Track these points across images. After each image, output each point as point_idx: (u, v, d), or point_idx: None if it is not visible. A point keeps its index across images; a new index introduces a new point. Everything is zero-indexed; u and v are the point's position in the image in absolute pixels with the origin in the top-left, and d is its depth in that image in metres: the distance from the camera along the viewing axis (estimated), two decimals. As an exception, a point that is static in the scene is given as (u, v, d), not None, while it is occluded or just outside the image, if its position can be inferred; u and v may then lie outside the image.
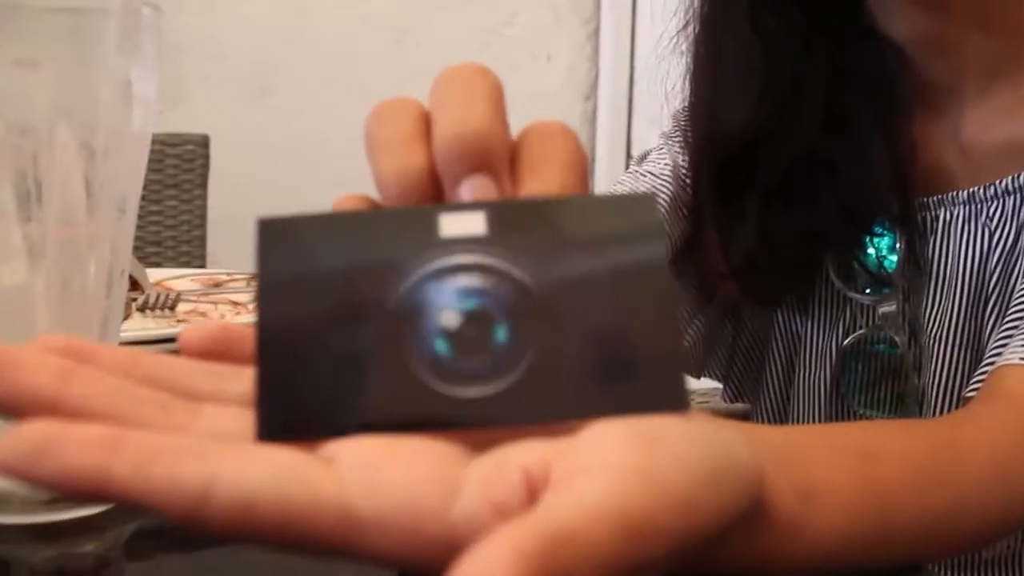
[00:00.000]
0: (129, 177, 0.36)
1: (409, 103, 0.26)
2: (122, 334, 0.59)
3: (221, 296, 0.76)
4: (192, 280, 0.81)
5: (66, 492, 0.19)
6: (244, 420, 0.22)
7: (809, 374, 0.59)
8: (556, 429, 0.21)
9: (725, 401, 0.65)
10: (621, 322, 0.22)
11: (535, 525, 0.17)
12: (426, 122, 0.25)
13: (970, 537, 0.31)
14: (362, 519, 0.19)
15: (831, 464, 0.27)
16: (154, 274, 0.80)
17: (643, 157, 0.65)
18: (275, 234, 0.23)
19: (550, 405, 0.21)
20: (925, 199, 0.53)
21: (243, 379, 0.24)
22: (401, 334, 0.22)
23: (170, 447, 0.19)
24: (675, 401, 0.22)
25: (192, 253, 1.43)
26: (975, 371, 0.50)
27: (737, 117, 0.54)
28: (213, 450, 0.20)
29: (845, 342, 0.57)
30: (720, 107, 0.55)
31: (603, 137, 1.92)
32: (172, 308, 0.69)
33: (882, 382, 0.57)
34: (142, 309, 0.69)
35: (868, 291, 0.56)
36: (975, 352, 0.52)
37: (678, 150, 0.60)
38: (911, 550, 0.29)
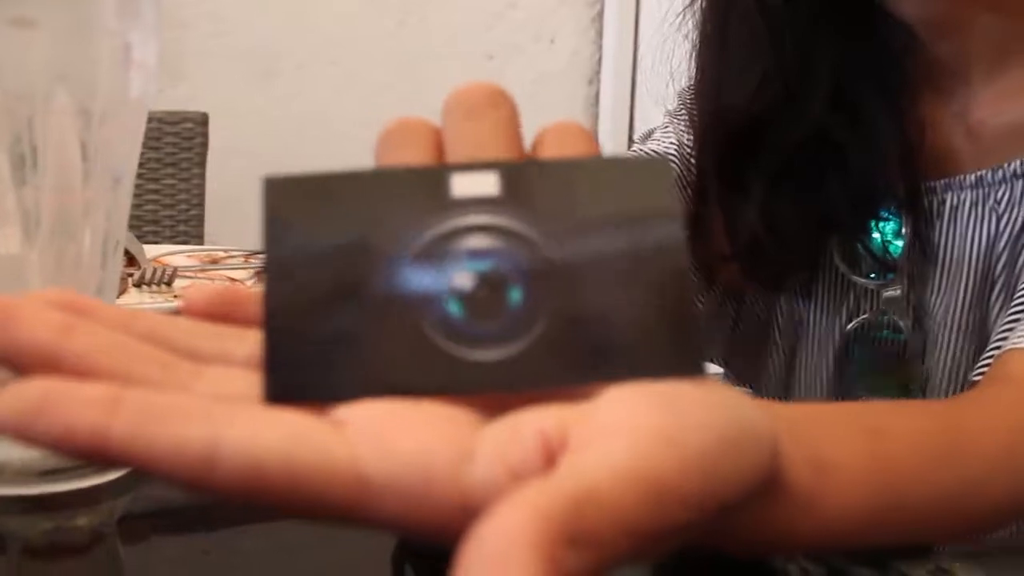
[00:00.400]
0: (126, 144, 0.36)
1: (420, 129, 0.25)
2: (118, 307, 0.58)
3: (218, 272, 0.75)
4: (189, 256, 0.80)
5: (65, 452, 0.18)
6: (249, 382, 0.21)
7: (811, 359, 0.58)
8: (573, 393, 0.21)
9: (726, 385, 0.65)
10: (636, 287, 0.22)
11: (557, 485, 0.17)
12: (438, 149, 0.25)
13: (978, 519, 0.31)
14: (373, 483, 0.19)
15: (843, 440, 0.27)
16: (151, 250, 0.79)
17: (647, 135, 0.64)
18: (282, 193, 0.22)
19: (566, 368, 0.21)
20: (932, 183, 0.52)
21: (248, 341, 0.23)
22: (413, 295, 0.21)
23: (173, 407, 0.19)
24: (691, 366, 0.21)
25: (190, 232, 1.43)
26: (980, 357, 0.49)
27: (742, 98, 0.53)
28: (219, 410, 0.19)
29: (848, 327, 0.56)
30: (725, 87, 0.55)
31: (606, 120, 1.91)
32: (169, 284, 0.69)
33: (885, 367, 0.56)
34: (138, 284, 0.68)
35: (873, 276, 0.55)
36: (980, 338, 0.51)
37: (683, 128, 0.60)
38: (919, 530, 0.29)
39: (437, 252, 0.22)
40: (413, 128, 0.25)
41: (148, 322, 0.22)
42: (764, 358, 0.62)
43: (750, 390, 0.64)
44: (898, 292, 0.55)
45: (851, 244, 0.55)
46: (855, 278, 0.55)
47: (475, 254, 0.22)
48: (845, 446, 0.26)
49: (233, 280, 0.72)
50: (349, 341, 0.21)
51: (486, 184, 0.22)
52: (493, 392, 0.21)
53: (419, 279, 0.22)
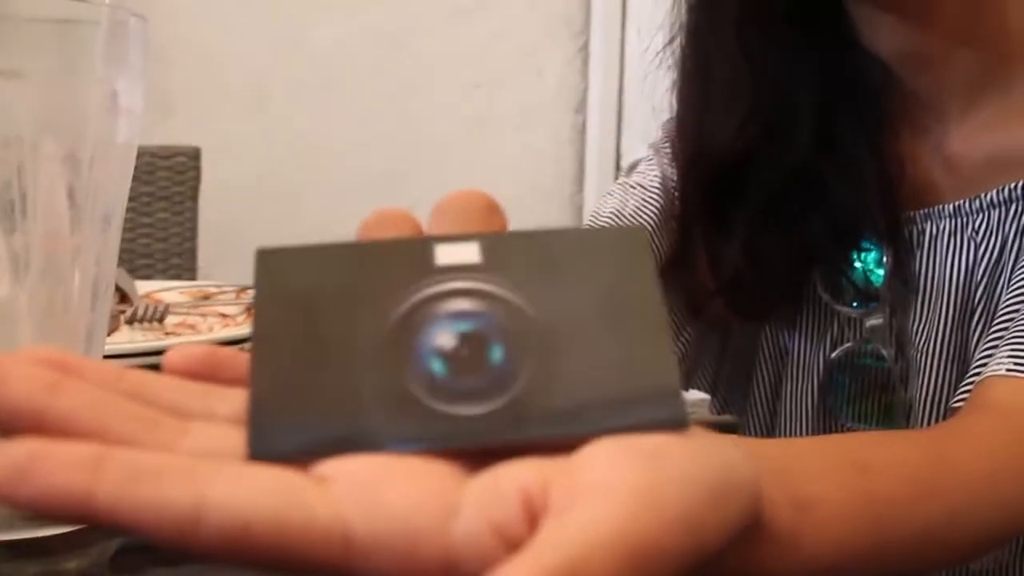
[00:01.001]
0: (114, 188, 0.36)
1: (400, 220, 0.26)
2: (110, 347, 0.58)
3: (210, 308, 0.75)
4: (181, 293, 0.81)
5: (49, 515, 0.18)
6: (234, 439, 0.22)
7: (796, 387, 0.59)
8: (554, 446, 0.21)
9: (712, 412, 0.65)
10: (615, 344, 0.22)
11: (541, 560, 0.17)
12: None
13: (962, 548, 0.31)
14: (359, 541, 0.19)
15: (826, 476, 0.27)
16: (143, 286, 0.80)
17: (632, 167, 0.65)
18: (273, 262, 0.23)
19: (547, 422, 0.22)
20: (911, 213, 0.53)
21: (232, 399, 0.23)
22: (396, 355, 0.22)
23: (157, 466, 0.19)
24: (673, 418, 0.22)
25: (183, 266, 1.43)
26: (962, 383, 0.50)
27: (724, 136, 0.54)
28: (203, 469, 0.19)
29: (832, 355, 0.57)
30: (707, 125, 0.55)
31: (593, 150, 1.92)
32: (160, 320, 0.69)
33: (869, 395, 0.57)
34: (130, 322, 0.68)
35: (855, 305, 0.56)
36: (962, 364, 0.52)
37: (667, 162, 0.60)
38: (904, 563, 0.29)
39: (421, 314, 0.23)
40: (393, 218, 0.26)
41: (134, 379, 0.23)
42: (750, 387, 0.62)
43: (736, 418, 0.64)
44: (880, 320, 0.55)
45: (834, 275, 0.56)
46: (838, 308, 0.56)
47: (457, 315, 0.23)
48: (828, 481, 0.27)
49: (224, 315, 0.73)
50: (333, 399, 0.22)
51: (468, 253, 0.24)
52: (476, 446, 0.21)
53: (403, 339, 0.22)
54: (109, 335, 0.65)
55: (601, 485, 0.19)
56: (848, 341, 0.56)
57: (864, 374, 0.56)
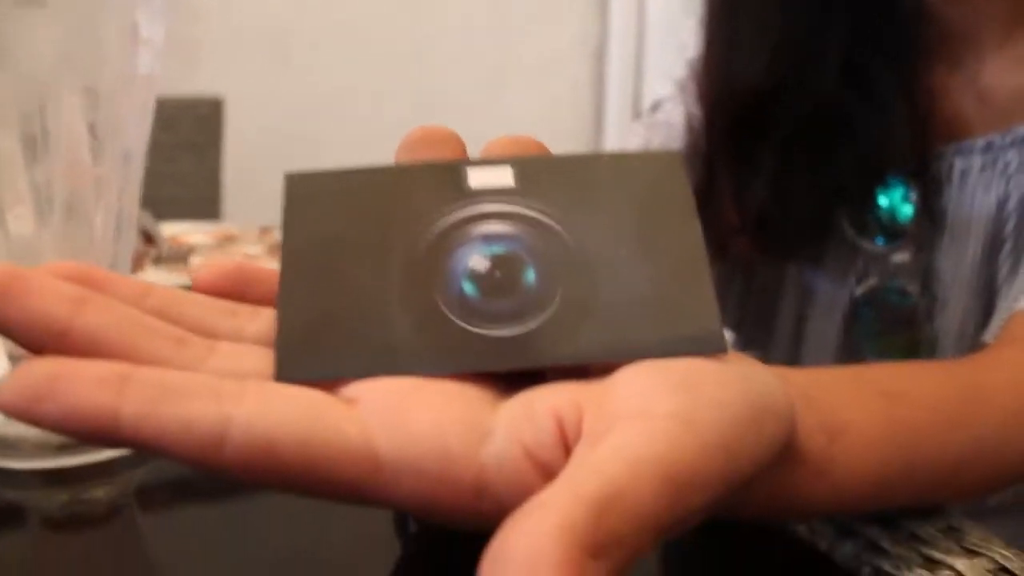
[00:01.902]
0: (135, 122, 0.36)
1: (445, 139, 0.25)
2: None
3: (234, 249, 0.76)
4: (205, 234, 0.81)
5: (73, 434, 0.18)
6: (262, 358, 0.21)
7: (820, 325, 0.58)
8: (587, 370, 0.21)
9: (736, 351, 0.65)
10: (652, 267, 0.22)
11: (578, 490, 0.17)
12: (462, 155, 0.25)
13: (990, 479, 0.31)
14: (387, 463, 0.19)
15: (857, 404, 0.27)
16: (167, 229, 0.80)
17: (656, 106, 0.64)
18: (301, 186, 0.23)
19: (581, 345, 0.21)
20: (941, 149, 0.52)
21: (260, 318, 0.23)
22: (428, 276, 0.22)
23: (183, 386, 0.18)
24: (711, 343, 0.21)
25: (207, 213, 1.44)
26: (988, 318, 0.49)
27: (752, 72, 0.53)
28: (229, 389, 0.19)
29: (857, 292, 0.56)
30: (735, 62, 0.54)
31: (613, 96, 1.90)
32: (185, 261, 0.70)
33: (894, 331, 0.56)
34: (156, 262, 0.69)
35: (881, 241, 0.55)
36: (988, 300, 0.51)
37: (692, 100, 0.60)
38: (933, 491, 0.29)
39: (453, 236, 0.22)
40: (436, 137, 0.25)
41: (162, 296, 0.22)
42: (773, 325, 0.62)
43: (759, 356, 0.64)
44: (906, 257, 0.54)
45: (860, 211, 0.55)
46: (864, 244, 0.55)
47: (490, 238, 0.22)
48: (860, 409, 0.26)
49: (249, 256, 0.73)
50: (362, 319, 0.21)
51: (501, 176, 0.23)
52: (508, 368, 0.21)
53: (434, 262, 0.22)
54: (133, 274, 0.66)
55: (637, 411, 0.19)
56: (873, 278, 0.56)
57: (889, 310, 0.56)
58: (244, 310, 0.23)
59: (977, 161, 0.51)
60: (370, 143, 1.87)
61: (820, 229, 0.56)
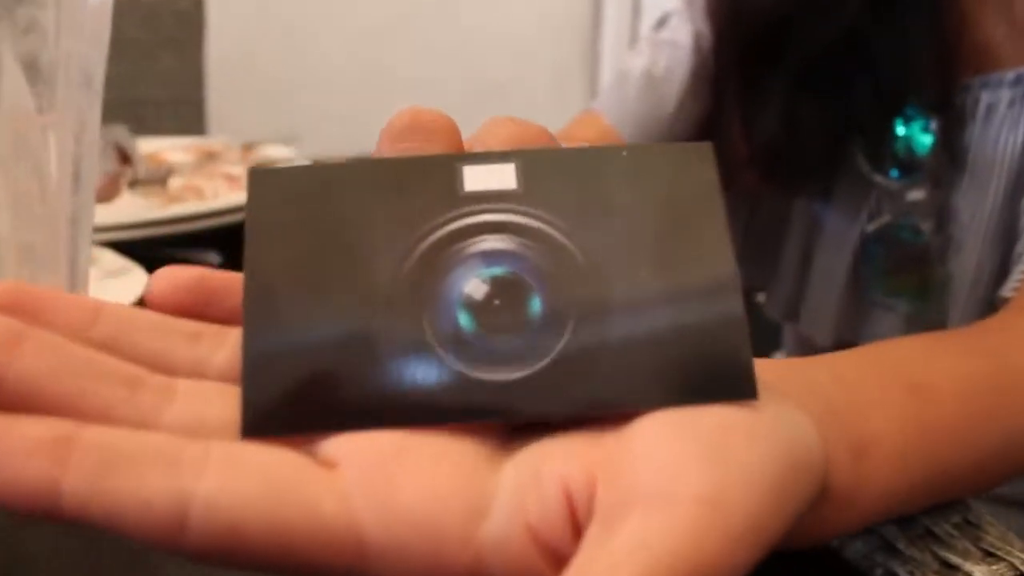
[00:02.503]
0: (90, 58, 0.33)
1: (437, 129, 0.21)
2: (110, 218, 0.56)
3: (216, 169, 0.72)
4: (185, 151, 0.77)
5: (8, 508, 0.16)
6: (228, 402, 0.18)
7: (828, 261, 0.56)
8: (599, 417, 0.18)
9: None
10: (676, 292, 0.19)
11: None
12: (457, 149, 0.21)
13: (1013, 473, 0.29)
14: (372, 543, 0.17)
15: (884, 407, 0.25)
16: (146, 145, 0.77)
17: (662, 22, 0.60)
18: (268, 187, 0.19)
19: (595, 391, 0.18)
20: (968, 80, 0.49)
21: (228, 343, 0.20)
22: (416, 307, 0.19)
23: (135, 453, 0.16)
24: (742, 388, 0.19)
25: (190, 118, 1.39)
26: (1006, 265, 0.47)
27: None
28: (189, 457, 0.16)
29: (868, 228, 0.54)
30: None
31: (610, 5, 1.83)
32: (163, 183, 0.66)
33: (903, 270, 0.54)
34: (132, 185, 0.66)
35: (896, 176, 0.52)
36: (1007, 244, 0.49)
37: (700, 17, 0.56)
38: (958, 491, 0.27)
39: (445, 255, 0.19)
40: (426, 125, 0.21)
41: (113, 321, 0.19)
42: (779, 259, 0.59)
43: (762, 292, 0.62)
44: (922, 194, 0.52)
45: (875, 143, 0.52)
46: (877, 179, 0.53)
47: (489, 256, 0.19)
48: (887, 414, 0.24)
49: (230, 177, 0.70)
50: (342, 360, 0.18)
51: (503, 176, 0.20)
52: (510, 420, 0.18)
53: (423, 286, 0.19)
54: (110, 201, 0.63)
55: (658, 492, 0.16)
56: (886, 215, 0.53)
57: (899, 248, 0.53)
58: (208, 333, 0.20)
59: (1006, 95, 0.48)
60: (361, 38, 1.81)
61: (833, 162, 0.53)
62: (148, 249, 0.55)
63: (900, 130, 0.51)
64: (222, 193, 0.65)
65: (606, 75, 1.85)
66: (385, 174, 0.20)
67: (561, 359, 0.18)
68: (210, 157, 0.76)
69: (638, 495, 0.17)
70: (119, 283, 0.50)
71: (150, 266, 0.52)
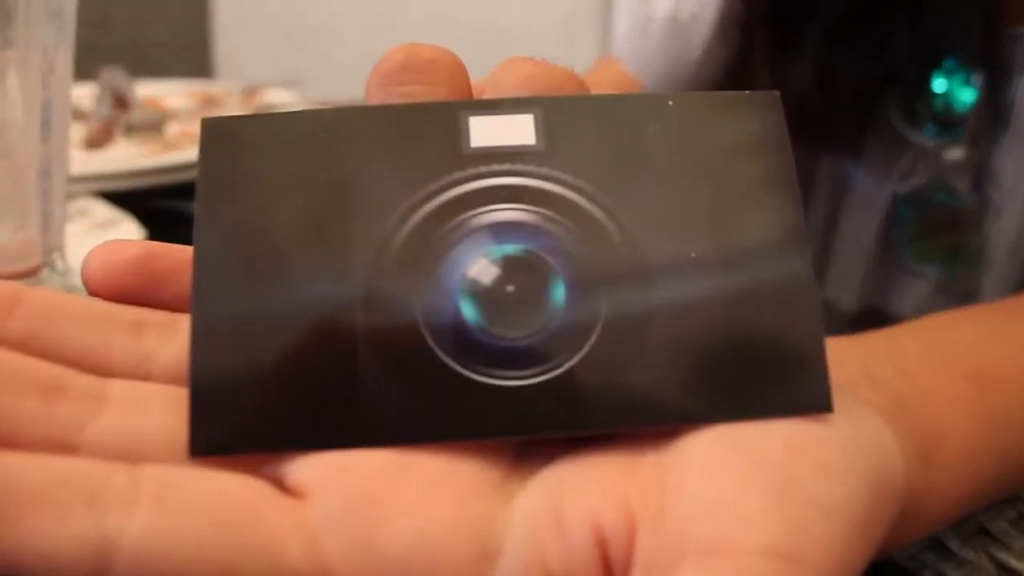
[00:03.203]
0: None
1: (440, 66, 0.17)
2: (102, 166, 0.53)
3: (216, 114, 0.69)
4: (185, 96, 0.74)
5: None
6: (172, 409, 0.15)
7: (855, 222, 0.53)
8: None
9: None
10: (733, 280, 0.15)
11: None
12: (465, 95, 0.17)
13: None
14: None
15: (949, 400, 0.22)
16: (145, 88, 0.74)
17: (687, -35, 0.57)
18: (227, 140, 0.16)
19: (627, 402, 0.15)
20: (1016, 31, 0.45)
21: (179, 332, 0.16)
22: (407, 292, 0.15)
23: (46, 486, 0.13)
24: (813, 399, 0.15)
25: (196, 63, 1.36)
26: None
27: None
28: (115, 488, 0.13)
29: (900, 189, 0.51)
30: None
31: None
32: (159, 130, 0.64)
33: (935, 234, 0.51)
34: (128, 132, 0.63)
35: (932, 132, 0.49)
36: (1051, 208, 0.46)
37: None
38: (1020, 483, 0.25)
39: (445, 227, 0.15)
40: (424, 60, 0.17)
41: (35, 311, 0.16)
42: (803, 217, 0.57)
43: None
44: (960, 153, 0.49)
45: (911, 97, 0.49)
46: (912, 136, 0.49)
47: (501, 230, 0.15)
48: (952, 409, 0.22)
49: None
50: (314, 363, 0.15)
51: (520, 129, 0.16)
52: (523, 437, 0.15)
53: (417, 265, 0.15)
54: (103, 147, 0.60)
55: (715, 541, 0.13)
56: (920, 175, 0.50)
57: (934, 211, 0.50)
58: (155, 322, 0.16)
59: (1057, 47, 0.44)
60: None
61: (866, 117, 0.50)
62: (141, 199, 0.52)
63: (940, 85, 0.48)
64: (220, 141, 0.62)
65: (619, 23, 1.80)
66: (371, 126, 0.16)
67: (588, 361, 0.15)
68: (210, 102, 0.73)
69: (690, 544, 0.14)
70: (109, 236, 0.47)
71: (144, 216, 0.50)
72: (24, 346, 0.15)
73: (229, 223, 0.16)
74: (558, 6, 1.80)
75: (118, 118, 0.63)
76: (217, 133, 0.16)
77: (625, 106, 0.16)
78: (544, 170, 0.16)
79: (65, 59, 0.31)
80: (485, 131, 0.16)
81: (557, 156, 0.16)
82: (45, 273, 0.32)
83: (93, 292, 0.17)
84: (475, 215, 0.16)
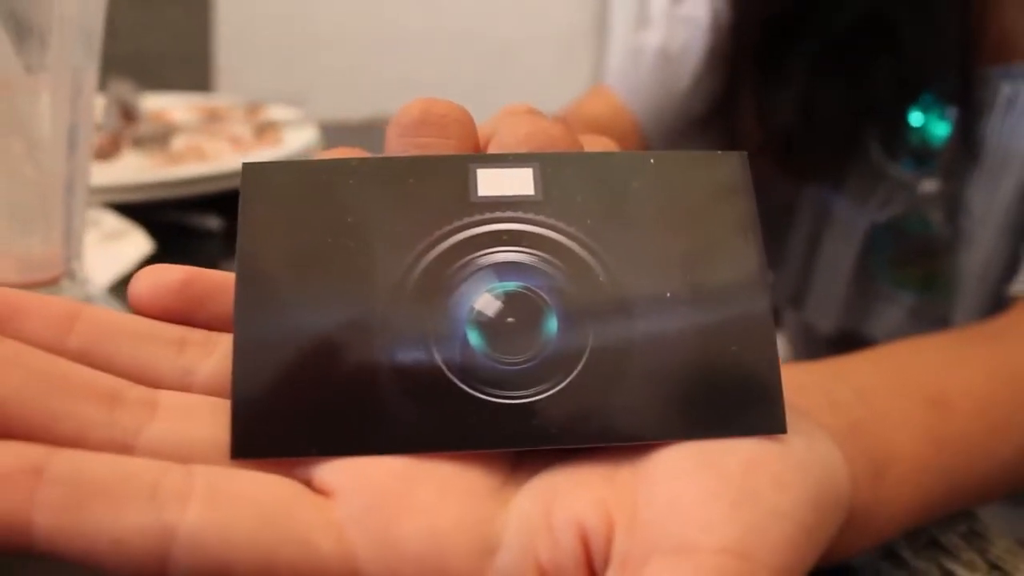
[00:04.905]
0: (84, 16, 0.32)
1: (452, 122, 0.19)
2: (111, 178, 0.55)
3: (220, 128, 0.71)
4: (190, 109, 0.76)
5: None
6: (216, 418, 0.17)
7: (835, 248, 0.55)
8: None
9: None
10: (703, 317, 0.18)
11: None
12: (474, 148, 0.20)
13: (1020, 484, 0.29)
14: None
15: (904, 424, 0.24)
16: (150, 102, 0.76)
17: (678, -2, 0.59)
18: (265, 182, 0.18)
19: (609, 421, 0.17)
20: (989, 69, 0.48)
21: (217, 350, 0.18)
22: (422, 320, 0.17)
23: (111, 483, 0.15)
24: (770, 422, 0.18)
25: (197, 74, 1.37)
26: (1016, 261, 0.46)
27: None
28: (171, 485, 0.15)
29: (878, 218, 0.53)
30: None
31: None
32: (166, 143, 0.65)
33: (911, 261, 0.53)
34: (136, 144, 0.65)
35: (910, 165, 0.51)
36: (1018, 238, 0.48)
37: None
38: (972, 501, 0.27)
39: (455, 266, 0.18)
40: (439, 115, 0.19)
41: (91, 326, 0.18)
42: (785, 244, 0.59)
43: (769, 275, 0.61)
44: (935, 185, 0.51)
45: (890, 131, 0.51)
46: (890, 168, 0.52)
47: (502, 269, 0.18)
48: (906, 430, 0.24)
49: (235, 140, 0.68)
50: (340, 379, 0.17)
51: (520, 180, 0.18)
52: (521, 447, 0.17)
53: (430, 299, 0.18)
54: (111, 158, 0.62)
55: (682, 543, 0.16)
56: (896, 205, 0.52)
57: (909, 239, 0.53)
58: (195, 339, 0.19)
59: (1026, 87, 0.47)
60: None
61: (847, 149, 0.52)
62: (149, 211, 0.54)
63: (916, 120, 0.50)
64: (225, 155, 0.64)
65: (615, 41, 1.83)
66: (390, 175, 0.18)
67: (576, 384, 0.17)
68: (214, 116, 0.75)
69: (659, 543, 0.16)
70: (119, 246, 0.49)
71: (151, 228, 0.52)
72: (83, 358, 0.17)
73: (266, 256, 0.18)
74: (556, 21, 1.82)
75: (125, 130, 0.65)
76: (256, 177, 0.18)
77: (612, 162, 0.19)
78: (541, 217, 0.18)
79: (91, 79, 0.33)
80: (491, 182, 0.18)
81: (552, 205, 0.18)
82: (65, 282, 0.34)
83: (140, 311, 0.19)
84: (480, 255, 0.18)
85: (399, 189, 0.18)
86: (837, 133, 0.51)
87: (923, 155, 0.50)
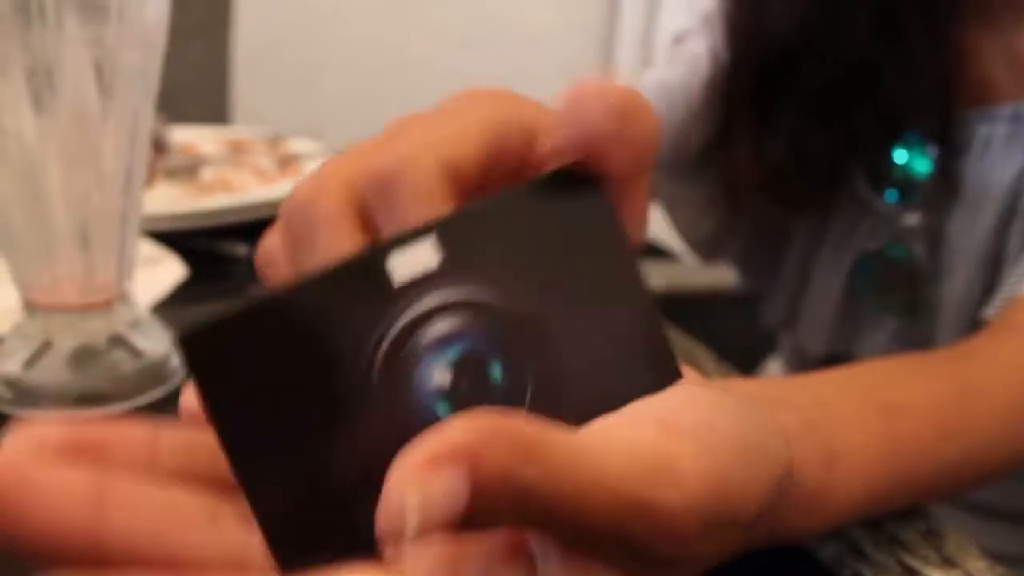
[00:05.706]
0: (145, 70, 0.35)
1: (333, 210, 0.21)
2: (151, 207, 0.59)
3: (244, 160, 0.75)
4: (215, 143, 0.80)
5: None
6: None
7: (824, 275, 0.58)
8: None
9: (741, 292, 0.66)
10: (598, 314, 0.21)
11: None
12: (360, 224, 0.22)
13: (976, 483, 0.32)
14: None
15: (855, 422, 0.27)
16: (175, 134, 0.80)
17: (681, 39, 0.62)
18: (205, 348, 0.18)
19: (564, 423, 0.20)
20: (967, 112, 0.51)
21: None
22: (397, 413, 0.19)
23: None
24: (670, 375, 0.21)
25: (215, 105, 1.41)
26: (993, 290, 0.49)
27: (784, 25, 0.52)
28: None
29: (863, 249, 0.56)
30: (765, 13, 0.53)
31: (625, 15, 1.85)
32: (195, 174, 0.69)
33: (894, 289, 0.57)
34: (168, 176, 0.69)
35: (894, 197, 0.55)
36: (994, 269, 0.51)
37: (719, 37, 0.58)
38: (922, 498, 0.30)
39: (403, 355, 0.19)
40: (325, 211, 0.21)
41: (172, 446, 0.19)
42: (778, 270, 0.62)
43: (762, 298, 0.64)
44: (917, 218, 0.54)
45: (875, 168, 0.54)
46: (875, 202, 0.55)
47: (441, 342, 0.20)
48: (858, 428, 0.27)
49: (259, 172, 0.72)
50: (344, 489, 0.19)
51: (424, 257, 0.20)
52: None
53: (396, 392, 0.19)
54: (145, 189, 0.66)
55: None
56: (881, 236, 0.56)
57: (893, 269, 0.56)
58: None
59: (1002, 129, 0.50)
60: (390, 24, 1.83)
61: (835, 184, 0.55)
62: (180, 238, 0.58)
63: (900, 157, 0.54)
64: (250, 186, 0.68)
65: (620, 71, 1.87)
66: (316, 296, 0.19)
67: (531, 408, 0.20)
68: (238, 148, 0.78)
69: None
70: (155, 271, 0.53)
71: (183, 254, 0.55)
72: (174, 475, 0.19)
73: (240, 408, 0.19)
74: (561, 52, 1.86)
75: (157, 162, 0.69)
76: (199, 346, 0.18)
77: (495, 208, 0.21)
78: (451, 282, 0.20)
79: (147, 118, 0.36)
80: (402, 267, 0.20)
81: (457, 270, 0.20)
82: (118, 304, 0.37)
83: (191, 421, 0.20)
84: (419, 337, 0.20)
85: (331, 305, 0.19)
86: (826, 169, 0.54)
87: (906, 190, 0.54)
